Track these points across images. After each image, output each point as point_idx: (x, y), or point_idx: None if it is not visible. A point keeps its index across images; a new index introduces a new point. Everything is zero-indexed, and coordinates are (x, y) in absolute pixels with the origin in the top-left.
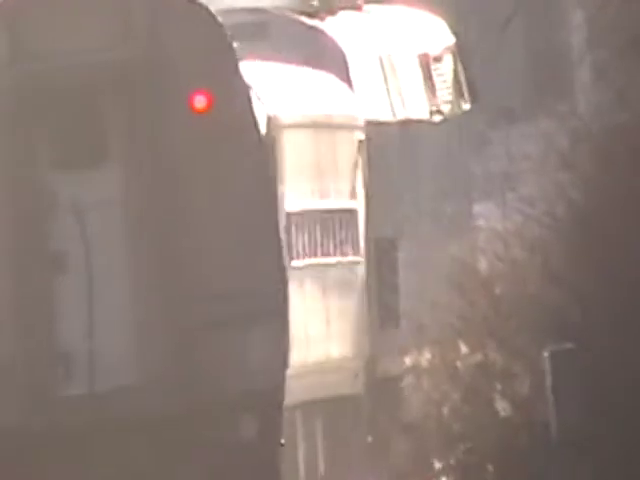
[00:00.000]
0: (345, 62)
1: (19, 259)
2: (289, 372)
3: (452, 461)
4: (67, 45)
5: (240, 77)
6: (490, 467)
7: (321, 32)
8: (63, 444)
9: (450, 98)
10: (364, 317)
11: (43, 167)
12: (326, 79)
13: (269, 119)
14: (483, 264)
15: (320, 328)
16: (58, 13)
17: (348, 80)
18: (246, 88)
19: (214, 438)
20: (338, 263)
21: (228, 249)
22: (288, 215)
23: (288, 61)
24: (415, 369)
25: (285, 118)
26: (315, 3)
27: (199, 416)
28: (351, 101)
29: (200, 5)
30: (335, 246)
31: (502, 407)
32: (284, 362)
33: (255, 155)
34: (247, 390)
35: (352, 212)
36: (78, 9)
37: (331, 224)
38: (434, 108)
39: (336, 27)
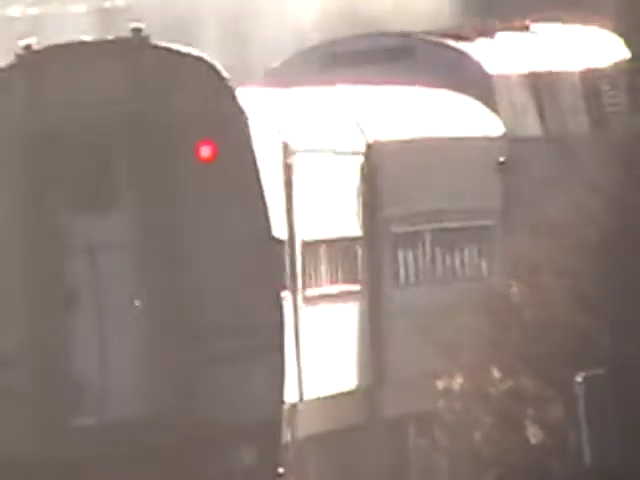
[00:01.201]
0: (489, 84)
1: (35, 296)
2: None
3: None
4: (81, 97)
5: (244, 128)
6: None
7: (466, 56)
8: (73, 472)
9: (619, 110)
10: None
11: (58, 210)
12: (466, 102)
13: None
14: (514, 290)
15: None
16: (74, 66)
17: (491, 102)
18: (249, 138)
19: (214, 468)
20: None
21: (228, 289)
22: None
23: (431, 84)
24: (447, 393)
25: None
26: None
27: (200, 446)
28: (489, 123)
29: (206, 62)
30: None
31: (533, 433)
32: (281, 395)
33: (255, 199)
34: (246, 422)
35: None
36: (93, 64)
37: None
38: (598, 121)
39: (484, 49)
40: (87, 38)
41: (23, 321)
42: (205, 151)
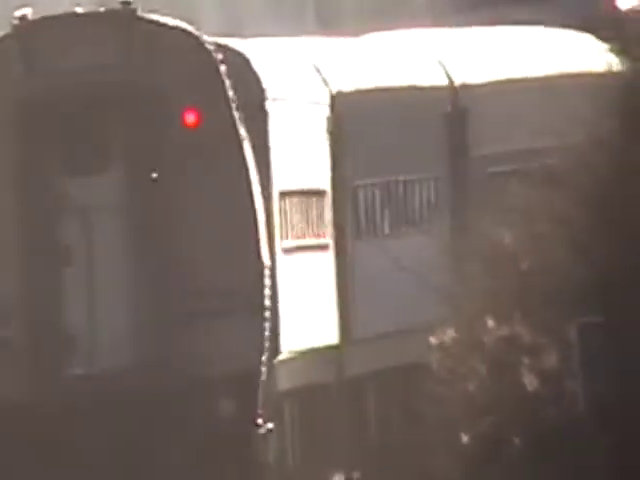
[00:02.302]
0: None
1: (30, 253)
2: None
3: (479, 434)
4: (74, 63)
5: (226, 97)
6: (517, 440)
7: None
8: (65, 417)
9: None
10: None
11: (53, 172)
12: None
13: None
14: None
15: None
16: (67, 36)
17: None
18: (231, 106)
19: (196, 418)
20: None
21: (212, 251)
22: None
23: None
24: (441, 345)
25: None
26: None
27: (183, 395)
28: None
29: (191, 34)
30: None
31: (529, 381)
32: (260, 351)
33: (237, 164)
34: (225, 372)
35: None
36: (84, 34)
37: None
38: None
39: None
40: (79, 10)
41: (19, 277)
42: (190, 117)
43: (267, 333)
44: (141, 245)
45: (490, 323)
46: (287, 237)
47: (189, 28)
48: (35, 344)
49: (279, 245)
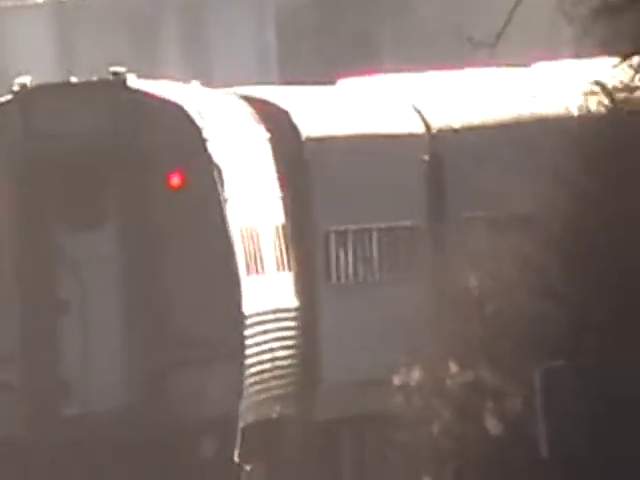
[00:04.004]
0: None
1: (29, 303)
2: None
3: (442, 479)
4: (69, 128)
5: (208, 160)
6: None
7: None
8: (59, 453)
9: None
10: None
11: (51, 228)
12: None
13: None
14: (475, 282)
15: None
16: (62, 103)
17: None
18: (212, 169)
19: (180, 456)
20: None
21: (195, 304)
22: None
23: None
24: (405, 387)
25: None
26: None
27: (167, 437)
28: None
29: (175, 104)
30: None
31: (492, 425)
32: (239, 394)
33: (218, 223)
34: (207, 417)
35: None
36: (78, 101)
37: None
38: None
39: None
40: (74, 79)
41: (18, 325)
42: (175, 180)
43: (251, 378)
44: (130, 296)
45: (454, 367)
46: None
47: (175, 99)
48: (33, 387)
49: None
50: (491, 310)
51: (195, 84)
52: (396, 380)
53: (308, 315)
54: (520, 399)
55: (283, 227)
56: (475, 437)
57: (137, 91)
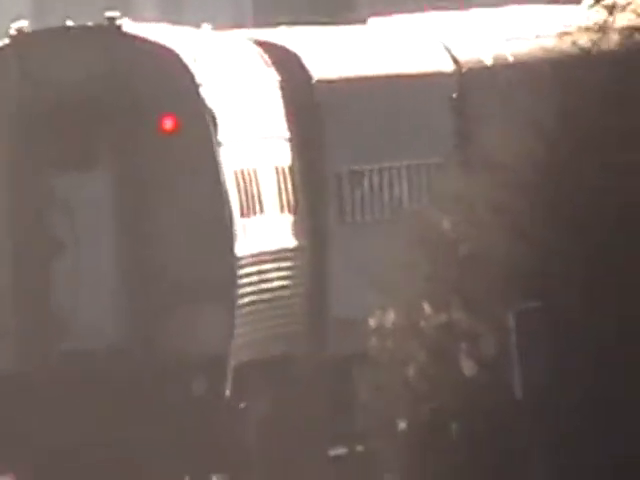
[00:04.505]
0: None
1: (22, 243)
2: None
3: (417, 420)
4: (63, 73)
5: (201, 104)
6: (455, 426)
7: None
8: (52, 387)
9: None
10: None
11: (44, 170)
12: None
13: None
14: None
15: None
16: (58, 48)
17: None
18: (204, 113)
19: (171, 393)
20: None
21: (188, 245)
22: None
23: None
24: (380, 330)
25: None
26: None
27: (161, 373)
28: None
29: (169, 49)
30: None
31: (467, 366)
32: (229, 334)
33: (209, 166)
34: (198, 354)
35: None
36: (74, 46)
37: None
38: None
39: None
40: (70, 24)
41: (12, 265)
42: (167, 124)
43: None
44: (122, 238)
45: (428, 309)
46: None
47: (168, 43)
48: (27, 324)
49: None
50: (465, 252)
51: (206, 27)
52: (371, 320)
53: (317, 254)
54: (494, 341)
55: (290, 169)
56: (449, 378)
57: (131, 36)
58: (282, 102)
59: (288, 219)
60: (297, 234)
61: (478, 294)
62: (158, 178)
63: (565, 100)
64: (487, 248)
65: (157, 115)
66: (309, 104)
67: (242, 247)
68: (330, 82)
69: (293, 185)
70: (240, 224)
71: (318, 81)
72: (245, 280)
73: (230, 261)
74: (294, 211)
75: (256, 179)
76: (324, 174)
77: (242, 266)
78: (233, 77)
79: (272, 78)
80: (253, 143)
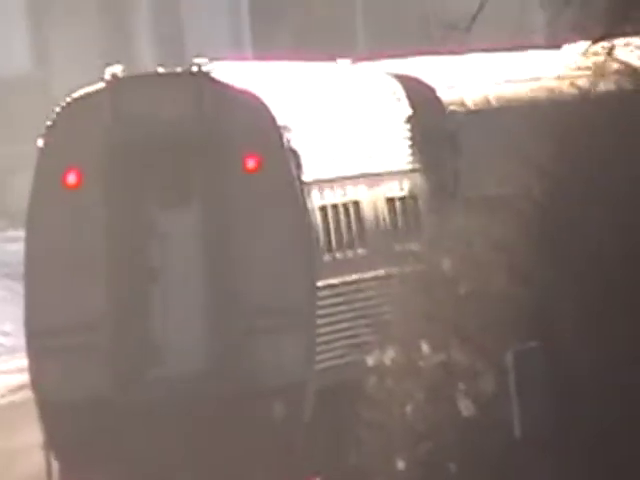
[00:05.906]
0: None
1: (123, 272)
2: None
3: (415, 460)
4: (155, 116)
5: (285, 147)
6: (452, 466)
7: None
8: (143, 411)
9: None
10: None
11: (146, 207)
12: None
13: None
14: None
15: None
16: (149, 92)
17: None
18: (286, 153)
19: (253, 418)
20: None
21: (271, 276)
22: None
23: None
24: (379, 368)
25: None
26: None
27: (242, 400)
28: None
29: (252, 95)
30: None
31: (465, 406)
32: (310, 362)
33: (293, 207)
34: (279, 382)
35: None
36: (164, 91)
37: None
38: None
39: None
40: (161, 70)
41: (110, 291)
42: (250, 163)
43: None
44: (211, 268)
45: (426, 348)
46: None
47: (253, 91)
48: (123, 348)
49: None
50: (464, 291)
51: (343, 62)
52: (369, 358)
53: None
54: (492, 380)
55: (411, 198)
56: (447, 418)
57: (218, 82)
58: (411, 134)
59: (381, 250)
60: (395, 262)
61: (477, 333)
62: (243, 213)
63: (563, 138)
64: (486, 287)
65: (241, 155)
66: (442, 134)
67: (324, 278)
68: (463, 112)
69: (415, 214)
70: (326, 255)
71: (451, 112)
72: (323, 311)
73: (311, 290)
74: (391, 241)
75: (357, 212)
76: (453, 201)
77: (322, 297)
78: (338, 114)
79: (399, 111)
80: (354, 177)
